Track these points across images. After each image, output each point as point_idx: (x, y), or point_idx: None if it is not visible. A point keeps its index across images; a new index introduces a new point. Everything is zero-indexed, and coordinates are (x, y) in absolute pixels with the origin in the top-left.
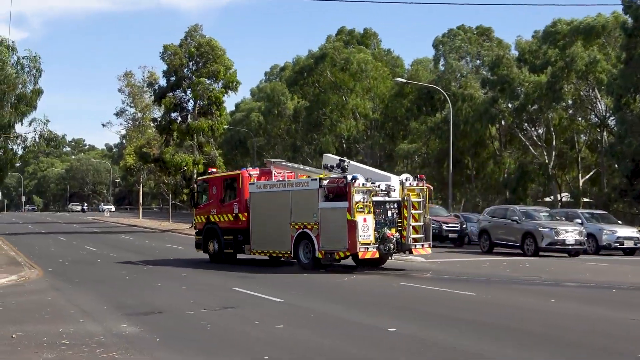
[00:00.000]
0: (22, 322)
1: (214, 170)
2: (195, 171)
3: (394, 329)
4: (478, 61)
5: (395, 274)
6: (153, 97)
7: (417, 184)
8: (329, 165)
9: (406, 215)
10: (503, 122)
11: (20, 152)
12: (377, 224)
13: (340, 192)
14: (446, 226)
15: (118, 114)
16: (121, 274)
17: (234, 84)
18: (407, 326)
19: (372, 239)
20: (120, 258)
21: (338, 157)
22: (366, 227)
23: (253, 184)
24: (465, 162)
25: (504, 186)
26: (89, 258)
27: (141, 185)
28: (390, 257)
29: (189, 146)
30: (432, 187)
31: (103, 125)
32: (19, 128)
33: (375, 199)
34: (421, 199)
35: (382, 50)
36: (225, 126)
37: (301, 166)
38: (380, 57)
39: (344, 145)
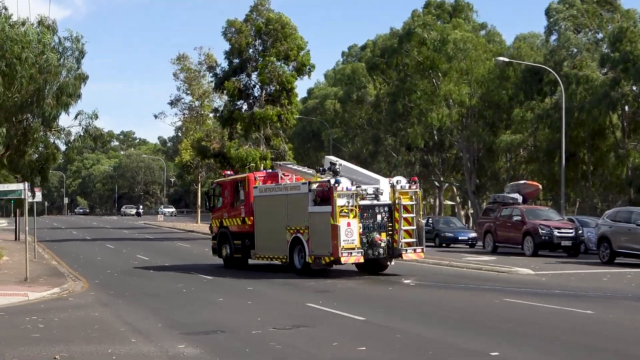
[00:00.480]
0: (67, 341)
1: (228, 172)
2: (262, 167)
3: (496, 354)
4: (599, 34)
5: (499, 289)
6: (213, 82)
7: (409, 187)
8: (321, 168)
9: (397, 218)
10: (627, 108)
11: (63, 148)
12: (365, 228)
13: (325, 196)
14: (558, 232)
15: (172, 103)
16: (177, 287)
17: (308, 66)
18: (513, 351)
19: (356, 243)
20: (176, 269)
21: (336, 160)
22: (350, 231)
23: (256, 187)
24: (580, 156)
25: (627, 184)
26: (141, 268)
27: (199, 185)
28: (390, 262)
29: (255, 139)
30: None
31: (155, 116)
32: (62, 120)
33: (362, 202)
34: (414, 202)
35: (477, 25)
36: (297, 115)
37: (307, 169)
38: (475, 33)
39: (435, 137)
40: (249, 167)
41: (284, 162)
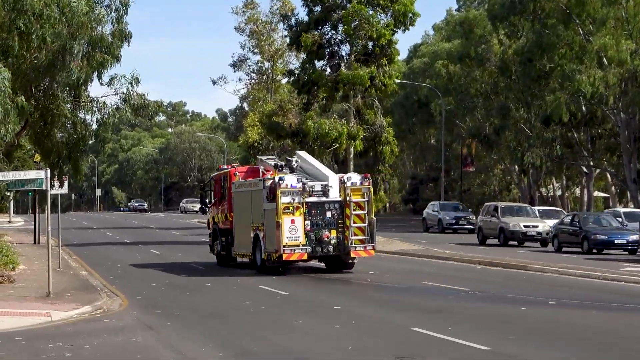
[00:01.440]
0: None
1: (224, 167)
2: (352, 150)
3: None
4: None
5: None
6: (288, 37)
7: (361, 184)
8: (279, 164)
9: (348, 215)
10: None
11: (94, 126)
12: (313, 225)
13: (273, 193)
14: None
15: (236, 65)
16: (243, 305)
17: (410, 15)
18: None
19: (301, 240)
20: (241, 281)
21: (304, 155)
22: (294, 228)
23: (234, 183)
24: None
25: None
26: (195, 280)
27: None
28: (352, 261)
29: (342, 111)
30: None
31: (214, 82)
32: (93, 89)
33: (310, 199)
34: (366, 199)
35: None
36: (397, 80)
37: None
38: None
39: (583, 108)
40: (331, 150)
41: (266, 157)
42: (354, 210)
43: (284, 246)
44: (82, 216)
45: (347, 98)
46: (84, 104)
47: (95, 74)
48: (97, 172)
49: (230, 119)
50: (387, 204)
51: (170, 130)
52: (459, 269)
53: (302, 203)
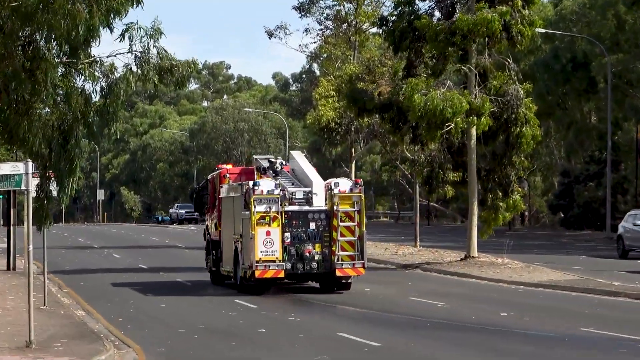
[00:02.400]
0: None
1: (224, 166)
2: (474, 132)
3: None
4: None
5: None
6: None
7: (351, 190)
8: (261, 167)
9: (335, 227)
10: None
11: (96, 98)
12: (294, 238)
13: (247, 200)
14: None
15: (302, 9)
16: None
17: None
18: None
19: (278, 255)
20: (312, 324)
21: (275, 159)
22: (269, 241)
23: (222, 187)
24: None
25: None
26: (245, 322)
27: (352, 164)
28: (346, 280)
29: (458, 74)
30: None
31: (270, 34)
32: (101, 47)
33: (290, 208)
34: (356, 209)
35: None
36: (541, 29)
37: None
38: None
39: None
40: (443, 133)
41: (262, 157)
42: (343, 221)
43: (257, 262)
44: (78, 230)
45: (465, 56)
46: (82, 67)
47: (103, 28)
48: (99, 166)
49: (293, 88)
50: (526, 213)
51: (205, 103)
52: (632, 309)
53: (281, 212)
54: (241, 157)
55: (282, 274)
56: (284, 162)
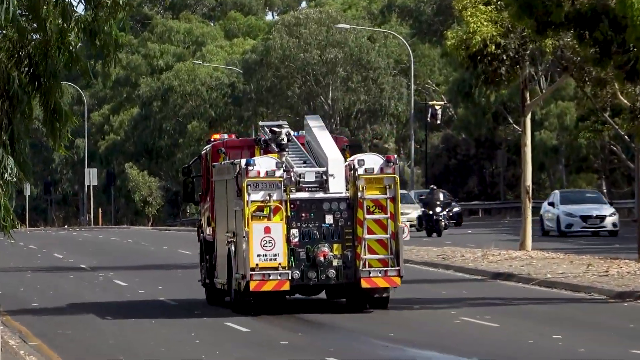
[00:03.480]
0: None
1: (220, 137)
2: None
3: None
4: None
5: None
6: None
7: (381, 170)
8: (262, 138)
9: (361, 220)
10: None
11: (81, 8)
12: (305, 237)
13: (239, 185)
14: None
15: None
16: None
17: None
18: None
19: (281, 260)
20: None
21: (280, 127)
22: (270, 241)
23: (215, 166)
24: None
25: None
26: None
27: (527, 120)
28: (380, 294)
29: None
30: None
31: None
32: None
33: (298, 195)
34: (387, 195)
35: None
36: None
37: (319, 131)
38: None
39: None
40: None
41: (270, 123)
42: (371, 212)
43: (253, 269)
44: (53, 239)
45: None
46: None
47: None
48: (87, 128)
49: None
50: None
51: (270, 16)
52: None
53: (285, 201)
54: (331, 111)
55: (286, 286)
56: (296, 133)
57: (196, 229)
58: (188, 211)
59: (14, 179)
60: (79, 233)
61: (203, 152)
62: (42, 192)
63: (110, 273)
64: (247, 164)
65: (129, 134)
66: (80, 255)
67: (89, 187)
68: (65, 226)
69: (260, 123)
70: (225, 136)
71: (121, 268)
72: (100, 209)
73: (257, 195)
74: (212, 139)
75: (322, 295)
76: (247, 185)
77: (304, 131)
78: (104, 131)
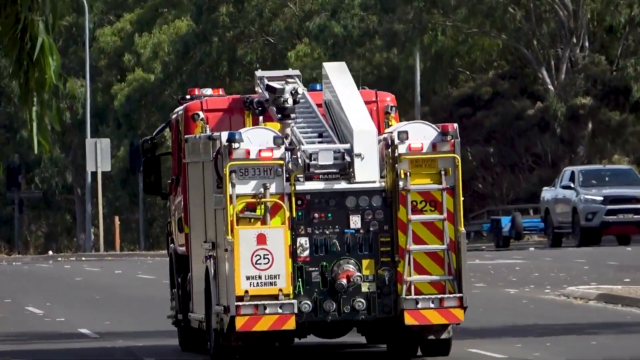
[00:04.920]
0: None
1: (198, 92)
2: None
3: None
4: None
5: None
6: None
7: (433, 147)
8: (251, 101)
9: (403, 223)
10: None
11: None
12: (318, 250)
13: (218, 173)
14: None
15: None
16: None
17: None
18: None
19: (282, 284)
20: None
21: (283, 74)
22: (265, 255)
23: (188, 140)
24: None
25: None
26: None
27: None
28: (438, 335)
29: None
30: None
31: None
32: None
33: (308, 187)
34: (443, 185)
35: None
36: None
37: (334, 85)
38: None
39: None
40: None
41: (270, 73)
42: (418, 211)
43: (240, 298)
44: (32, 276)
45: None
46: None
47: None
48: (88, 58)
49: None
50: None
51: None
52: None
53: (289, 196)
54: None
55: (291, 324)
56: (298, 87)
57: (165, 235)
58: None
59: None
60: (79, 267)
61: (173, 116)
62: (5, 186)
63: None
64: (231, 140)
65: (173, 69)
66: (85, 311)
67: (94, 175)
68: (50, 252)
69: (257, 73)
70: (209, 91)
71: None
72: (117, 219)
73: (246, 187)
74: (188, 96)
75: (350, 337)
76: (230, 172)
77: (322, 84)
78: (124, 66)
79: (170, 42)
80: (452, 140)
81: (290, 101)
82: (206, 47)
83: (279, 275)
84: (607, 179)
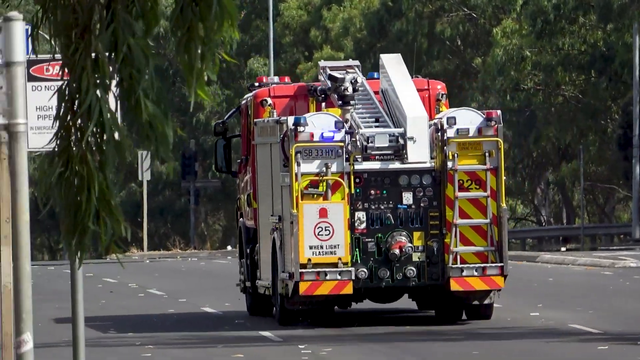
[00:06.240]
0: None
1: (266, 80)
2: None
3: None
4: None
5: None
6: None
7: (479, 131)
8: (314, 89)
9: (451, 198)
10: None
11: None
12: (374, 223)
13: (285, 154)
14: None
15: None
16: None
17: None
18: None
19: (341, 253)
20: None
21: (344, 65)
22: (326, 228)
23: (257, 124)
24: None
25: None
26: None
27: None
28: (482, 301)
29: None
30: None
31: None
32: None
33: (365, 166)
34: (487, 166)
35: None
36: None
37: (398, 76)
38: None
39: None
40: None
41: (332, 64)
42: (464, 189)
43: (303, 266)
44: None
45: None
46: None
47: None
48: (272, 55)
49: None
50: None
51: None
52: None
53: (348, 174)
54: None
55: (349, 289)
56: (357, 77)
57: (234, 210)
58: None
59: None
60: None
61: (243, 102)
62: (180, 175)
63: None
64: (297, 124)
65: (365, 46)
66: None
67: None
68: (228, 247)
69: (321, 63)
70: (276, 79)
71: None
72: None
73: (310, 166)
74: (257, 83)
75: (402, 303)
76: (296, 153)
77: (379, 73)
78: (310, 43)
79: (362, 16)
80: (496, 126)
81: (350, 89)
82: (402, 23)
83: (338, 245)
84: None
